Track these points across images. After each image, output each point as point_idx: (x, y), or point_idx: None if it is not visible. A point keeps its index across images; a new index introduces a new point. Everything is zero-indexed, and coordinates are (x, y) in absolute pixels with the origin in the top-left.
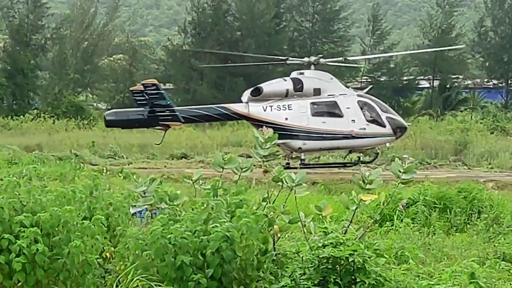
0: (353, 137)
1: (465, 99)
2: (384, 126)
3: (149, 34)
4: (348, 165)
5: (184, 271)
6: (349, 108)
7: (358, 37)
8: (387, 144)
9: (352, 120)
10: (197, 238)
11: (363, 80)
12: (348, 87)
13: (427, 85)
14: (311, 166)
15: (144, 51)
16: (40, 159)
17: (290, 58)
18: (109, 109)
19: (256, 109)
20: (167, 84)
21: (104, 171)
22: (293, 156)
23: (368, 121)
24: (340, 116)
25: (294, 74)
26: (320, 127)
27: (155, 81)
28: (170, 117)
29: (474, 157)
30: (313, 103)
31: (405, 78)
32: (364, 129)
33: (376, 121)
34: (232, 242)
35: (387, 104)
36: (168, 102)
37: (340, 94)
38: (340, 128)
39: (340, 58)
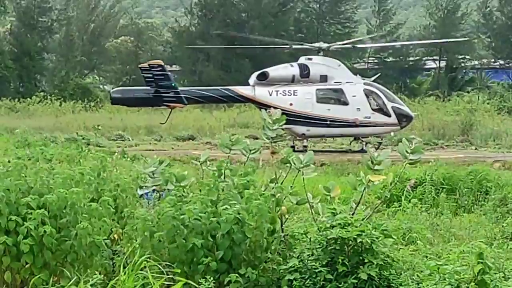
0: (357, 125)
1: (472, 79)
2: (389, 116)
3: (155, 15)
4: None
5: (195, 254)
6: (355, 96)
7: (364, 18)
8: (392, 133)
9: (357, 109)
10: (207, 220)
11: (369, 61)
12: (356, 73)
13: (434, 65)
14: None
15: (151, 33)
16: (47, 141)
17: (294, 46)
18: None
19: (262, 93)
20: (174, 66)
21: (115, 153)
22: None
23: (373, 109)
24: (346, 104)
25: (302, 60)
26: (325, 114)
27: (161, 62)
28: (174, 99)
29: (481, 138)
30: (318, 90)
31: (411, 58)
32: (369, 117)
33: (382, 110)
34: (242, 225)
35: (394, 85)
36: (173, 84)
37: (347, 82)
38: (345, 116)
39: (349, 45)
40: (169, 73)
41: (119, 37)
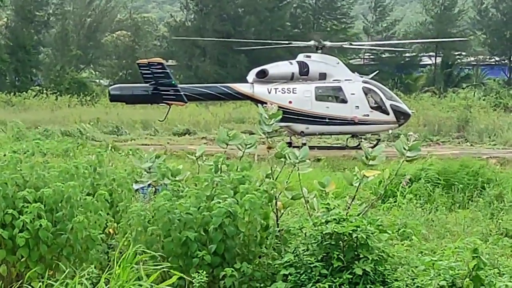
0: (356, 123)
1: (468, 75)
2: (388, 114)
3: (152, 10)
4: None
5: (189, 247)
6: (353, 94)
7: (360, 13)
8: (390, 131)
9: (356, 106)
10: (200, 214)
11: (365, 57)
12: (352, 70)
13: (430, 62)
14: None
15: (147, 28)
16: (43, 135)
17: (293, 42)
18: (112, 85)
19: (260, 90)
20: (170, 60)
21: (108, 147)
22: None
23: (372, 107)
24: (344, 101)
25: (300, 57)
26: (324, 112)
27: (161, 60)
28: (174, 97)
29: (477, 134)
30: (317, 88)
31: (407, 55)
32: (368, 115)
33: (380, 108)
34: (234, 218)
35: (390, 81)
36: (173, 82)
37: (346, 80)
38: (344, 114)
39: (346, 42)
40: (169, 71)
41: (116, 31)
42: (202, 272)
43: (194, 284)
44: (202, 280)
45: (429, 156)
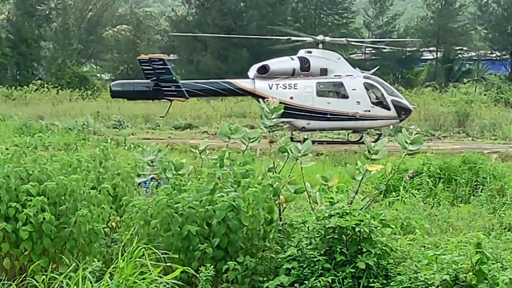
0: (357, 119)
1: (469, 70)
2: (389, 109)
3: (153, 4)
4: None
5: (191, 241)
6: (354, 89)
7: (361, 8)
8: (391, 126)
9: (357, 102)
10: (203, 208)
11: (367, 52)
12: (353, 65)
13: (431, 56)
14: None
15: (148, 22)
16: (48, 128)
17: (292, 38)
18: (113, 80)
19: (262, 86)
20: (171, 55)
21: (108, 141)
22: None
23: (373, 103)
24: (346, 97)
25: (301, 53)
26: (325, 108)
27: (162, 56)
28: (175, 93)
29: (478, 129)
30: (319, 83)
31: (408, 49)
32: (369, 111)
33: (381, 104)
34: (238, 212)
35: (391, 76)
36: (174, 78)
37: (347, 75)
38: (345, 110)
39: (343, 39)
40: (170, 67)
41: (117, 25)
42: (210, 267)
43: (198, 278)
44: (210, 274)
45: (430, 151)
